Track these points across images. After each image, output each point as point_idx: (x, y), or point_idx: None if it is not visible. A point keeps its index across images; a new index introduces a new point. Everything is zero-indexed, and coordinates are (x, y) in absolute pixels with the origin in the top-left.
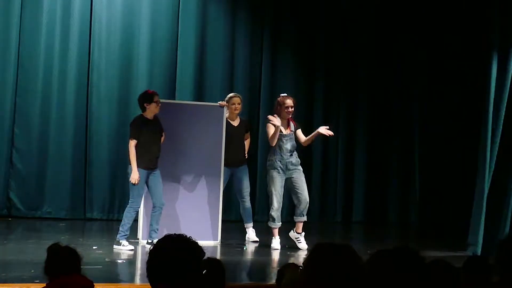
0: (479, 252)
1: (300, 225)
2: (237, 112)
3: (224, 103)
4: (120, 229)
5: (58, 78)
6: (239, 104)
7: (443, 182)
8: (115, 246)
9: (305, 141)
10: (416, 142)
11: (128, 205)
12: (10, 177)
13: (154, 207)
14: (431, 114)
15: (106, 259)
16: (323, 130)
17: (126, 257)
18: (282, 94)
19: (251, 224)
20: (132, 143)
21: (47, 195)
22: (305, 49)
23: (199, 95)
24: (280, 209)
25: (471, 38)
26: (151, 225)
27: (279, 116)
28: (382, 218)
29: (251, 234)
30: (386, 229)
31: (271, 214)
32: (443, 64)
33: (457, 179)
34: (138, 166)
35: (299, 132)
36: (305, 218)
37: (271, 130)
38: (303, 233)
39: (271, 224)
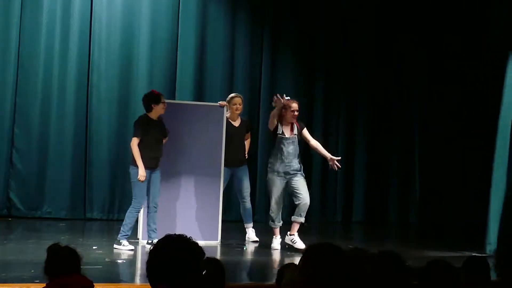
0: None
1: (296, 226)
2: (238, 112)
3: (224, 103)
4: (122, 229)
5: (58, 78)
6: (240, 104)
7: (443, 182)
8: (115, 246)
9: (313, 146)
10: (416, 142)
11: (131, 206)
12: (10, 177)
13: (148, 207)
14: (431, 114)
15: (106, 259)
16: (332, 161)
17: (126, 257)
18: (286, 98)
19: (251, 224)
20: (135, 142)
21: (47, 195)
22: (305, 49)
23: (199, 95)
24: (280, 210)
25: (471, 38)
26: (148, 225)
27: (283, 119)
28: (382, 218)
29: (251, 234)
30: (386, 229)
31: (270, 215)
32: (443, 64)
33: (457, 179)
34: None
35: (305, 132)
36: (302, 219)
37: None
38: (297, 234)
39: (271, 224)
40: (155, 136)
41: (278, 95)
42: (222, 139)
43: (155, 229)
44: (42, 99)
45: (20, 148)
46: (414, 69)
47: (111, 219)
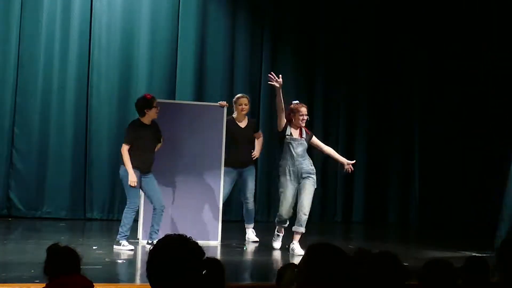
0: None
1: (297, 236)
2: (244, 112)
3: (224, 103)
4: (120, 230)
5: (58, 78)
6: (246, 105)
7: (443, 182)
8: (115, 247)
9: (327, 152)
10: (416, 142)
11: (126, 206)
12: (10, 177)
13: (154, 209)
14: (431, 114)
15: (106, 259)
16: (347, 166)
17: (126, 257)
18: (295, 102)
19: (251, 225)
20: (125, 148)
21: (47, 195)
22: (305, 49)
23: (199, 95)
24: (289, 214)
25: (472, 38)
26: (152, 226)
27: (292, 122)
28: (382, 218)
29: (251, 234)
30: (386, 229)
31: (278, 216)
32: (443, 64)
33: (457, 179)
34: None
35: (316, 140)
36: (301, 229)
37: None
38: (297, 242)
39: (277, 223)
40: (147, 141)
41: (273, 73)
42: (222, 139)
43: (158, 230)
44: (42, 99)
45: (20, 148)
46: (414, 69)
47: (111, 219)
